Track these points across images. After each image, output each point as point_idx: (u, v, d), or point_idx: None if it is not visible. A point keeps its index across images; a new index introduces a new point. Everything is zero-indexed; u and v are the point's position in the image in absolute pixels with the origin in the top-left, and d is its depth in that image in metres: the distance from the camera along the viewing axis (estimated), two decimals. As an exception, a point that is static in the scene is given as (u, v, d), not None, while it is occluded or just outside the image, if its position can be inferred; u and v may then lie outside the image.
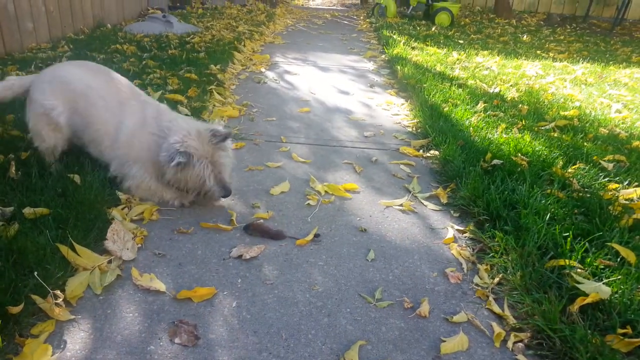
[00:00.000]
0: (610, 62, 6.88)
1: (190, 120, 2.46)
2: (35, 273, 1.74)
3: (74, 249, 1.91)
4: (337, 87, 4.93)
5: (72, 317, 1.70)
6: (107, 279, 1.88)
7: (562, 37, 8.97)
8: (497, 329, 1.77)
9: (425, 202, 2.70)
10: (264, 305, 1.84)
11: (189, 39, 6.05)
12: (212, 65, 4.78)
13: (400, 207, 2.64)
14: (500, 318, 1.85)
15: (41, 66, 4.33)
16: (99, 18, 6.50)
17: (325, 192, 2.74)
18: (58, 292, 1.74)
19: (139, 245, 2.12)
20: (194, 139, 2.26)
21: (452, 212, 2.62)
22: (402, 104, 4.46)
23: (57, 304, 1.69)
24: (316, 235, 2.30)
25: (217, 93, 4.15)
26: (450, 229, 2.43)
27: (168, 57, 5.06)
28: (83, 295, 1.81)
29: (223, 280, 1.96)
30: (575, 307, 1.77)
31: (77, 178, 2.37)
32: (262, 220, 2.40)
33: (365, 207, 2.62)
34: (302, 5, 11.50)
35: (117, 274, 1.91)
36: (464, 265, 2.16)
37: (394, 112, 4.27)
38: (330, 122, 3.93)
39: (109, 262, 1.96)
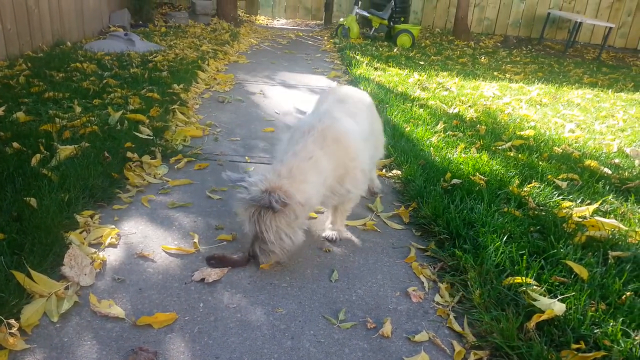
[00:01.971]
0: (564, 83, 7.18)
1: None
2: (-13, 302, 1.68)
3: (29, 276, 1.85)
4: (302, 107, 4.97)
5: (27, 346, 1.65)
6: (64, 306, 1.83)
7: (518, 59, 9.31)
8: (458, 347, 1.81)
9: (388, 222, 2.74)
10: (226, 329, 1.82)
11: (151, 57, 6.00)
12: (175, 85, 4.75)
13: (364, 227, 2.67)
14: (460, 336, 1.89)
15: (-3, 85, 4.21)
16: (59, 36, 6.37)
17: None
18: (12, 320, 1.68)
19: (98, 270, 2.08)
20: (256, 178, 2.11)
21: (413, 231, 2.67)
22: (365, 124, 4.52)
23: (11, 333, 1.64)
24: (280, 257, 2.29)
25: (180, 112, 4.11)
26: (412, 248, 2.48)
27: (129, 76, 5.00)
28: (39, 324, 1.76)
29: (184, 304, 1.93)
30: (531, 324, 1.82)
31: (33, 201, 2.31)
32: (225, 243, 2.38)
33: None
34: (267, 25, 11.57)
35: (75, 301, 1.87)
36: (426, 284, 2.19)
37: (357, 131, 4.33)
38: (294, 142, 3.94)
39: (66, 288, 1.91)
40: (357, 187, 2.34)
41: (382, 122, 2.98)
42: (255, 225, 2.04)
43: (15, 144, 2.93)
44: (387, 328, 1.88)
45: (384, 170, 3.44)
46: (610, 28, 10.61)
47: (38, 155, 2.83)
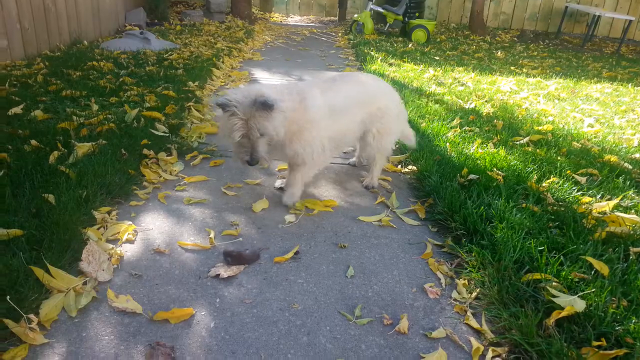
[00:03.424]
0: (582, 77, 7.07)
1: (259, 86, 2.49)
2: (8, 297, 1.70)
3: (48, 271, 1.87)
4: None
5: (46, 340, 1.67)
6: (82, 301, 1.85)
7: (535, 53, 9.19)
8: (476, 343, 1.79)
9: (404, 218, 2.72)
10: (242, 325, 1.83)
11: (166, 55, 6.03)
12: (190, 82, 4.77)
13: (379, 223, 2.65)
14: (478, 333, 1.86)
15: (15, 83, 4.27)
16: (76, 35, 6.44)
17: (306, 207, 2.74)
18: (32, 315, 1.70)
19: (115, 265, 2.09)
20: (239, 95, 2.33)
21: (430, 227, 2.64)
22: (380, 120, 4.49)
23: (31, 328, 1.66)
24: (296, 253, 2.29)
25: (196, 110, 4.13)
26: (429, 244, 2.45)
27: (145, 74, 5.04)
28: (58, 318, 1.78)
29: (201, 300, 1.94)
30: (551, 320, 1.79)
31: (51, 198, 2.33)
32: (241, 239, 2.38)
33: (345, 223, 2.63)
34: (281, 22, 11.58)
35: (93, 296, 1.89)
36: (442, 280, 2.17)
37: (372, 127, 4.30)
38: (309, 138, 3.93)
39: (84, 283, 1.93)
40: (306, 150, 2.57)
41: (396, 118, 2.95)
42: (255, 126, 2.30)
43: (33, 142, 2.97)
44: (403, 324, 1.86)
45: (399, 166, 3.42)
46: (630, 21, 10.42)
47: (56, 153, 2.86)
